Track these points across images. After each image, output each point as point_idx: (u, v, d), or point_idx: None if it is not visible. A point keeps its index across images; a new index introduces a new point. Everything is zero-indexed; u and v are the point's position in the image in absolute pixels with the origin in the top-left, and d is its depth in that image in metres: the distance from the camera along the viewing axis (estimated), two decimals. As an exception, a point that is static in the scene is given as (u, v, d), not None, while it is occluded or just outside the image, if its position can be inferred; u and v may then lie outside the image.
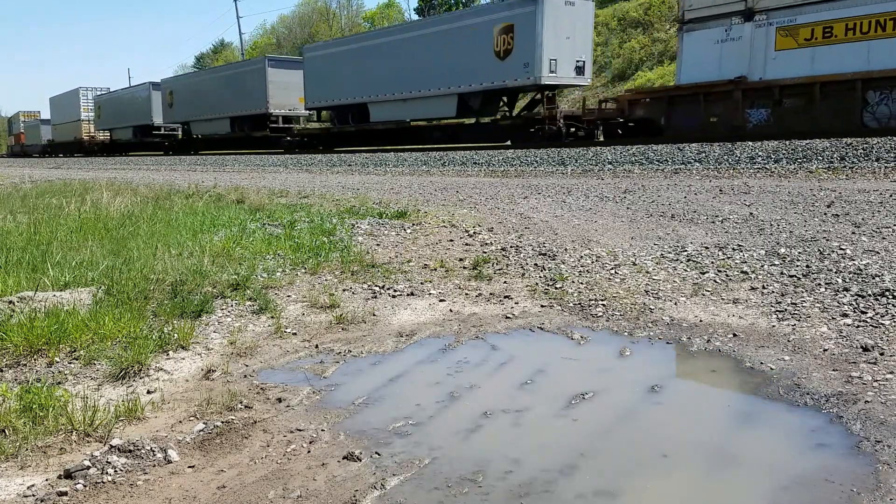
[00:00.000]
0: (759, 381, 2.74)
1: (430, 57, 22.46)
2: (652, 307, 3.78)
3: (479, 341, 3.41)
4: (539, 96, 20.88)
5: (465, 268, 4.92)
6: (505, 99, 22.40)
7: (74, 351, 3.20)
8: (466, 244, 5.77)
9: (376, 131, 25.84)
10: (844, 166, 9.61)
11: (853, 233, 5.15)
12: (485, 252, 5.38)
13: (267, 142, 31.77)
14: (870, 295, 3.62)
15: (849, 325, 3.27)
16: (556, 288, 4.26)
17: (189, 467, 2.19)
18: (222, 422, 2.49)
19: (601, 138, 18.67)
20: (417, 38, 23.32)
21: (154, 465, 2.18)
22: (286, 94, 31.36)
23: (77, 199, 9.14)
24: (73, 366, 3.08)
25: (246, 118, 33.30)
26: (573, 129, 19.12)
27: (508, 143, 20.81)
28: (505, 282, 4.51)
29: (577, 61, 19.70)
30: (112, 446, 2.25)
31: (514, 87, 20.74)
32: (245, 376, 3.01)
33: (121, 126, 45.00)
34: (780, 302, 3.69)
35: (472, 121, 23.02)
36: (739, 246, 4.96)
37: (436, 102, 22.78)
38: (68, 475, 2.09)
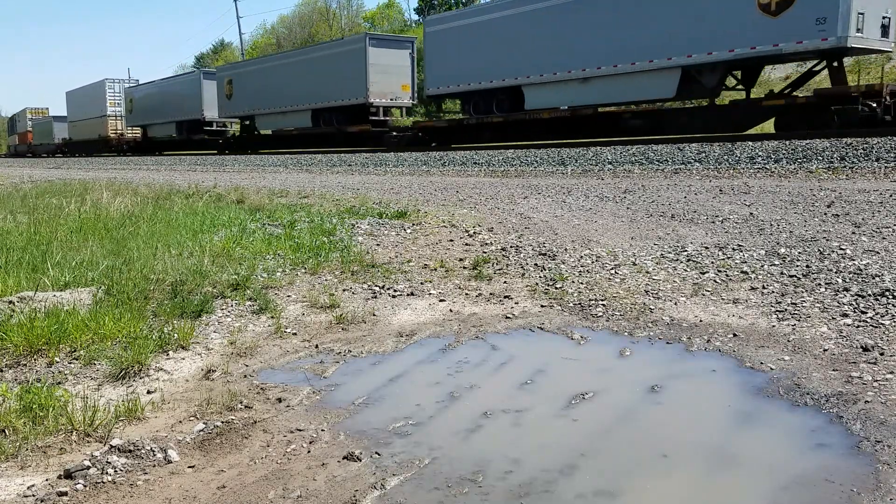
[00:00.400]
0: (759, 381, 2.74)
1: (634, 18, 16.34)
2: (652, 307, 3.78)
3: (479, 341, 3.41)
4: (821, 66, 15.14)
5: (465, 268, 4.92)
6: (739, 73, 16.48)
7: (74, 351, 3.20)
8: (466, 244, 5.77)
9: (537, 121, 19.47)
10: (844, 166, 9.61)
11: (853, 233, 5.15)
12: (485, 252, 5.38)
13: (365, 138, 25.63)
14: (870, 295, 3.62)
15: (849, 325, 3.27)
16: (556, 288, 4.26)
17: (189, 467, 2.19)
18: (222, 422, 2.49)
19: None
20: None
21: (154, 465, 2.18)
22: (387, 79, 25.24)
23: (77, 199, 9.15)
24: (73, 366, 3.08)
25: (335, 110, 26.96)
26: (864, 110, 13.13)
27: (772, 128, 15.48)
28: (505, 282, 4.51)
29: (883, 17, 14.09)
30: (112, 446, 2.25)
31: (793, 54, 14.49)
32: (245, 376, 3.01)
33: (160, 122, 38.97)
34: (780, 302, 3.69)
35: (698, 103, 17.05)
36: (739, 246, 4.96)
37: (641, 80, 16.62)
38: (68, 475, 2.09)
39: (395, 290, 4.36)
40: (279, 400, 2.73)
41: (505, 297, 4.16)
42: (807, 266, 4.28)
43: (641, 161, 12.50)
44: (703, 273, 4.34)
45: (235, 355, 3.28)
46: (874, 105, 13.29)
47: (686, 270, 4.45)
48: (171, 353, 3.26)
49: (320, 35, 56.91)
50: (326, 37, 51.66)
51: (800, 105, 14.69)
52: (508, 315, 3.80)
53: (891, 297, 3.56)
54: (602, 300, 3.95)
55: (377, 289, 4.41)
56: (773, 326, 3.36)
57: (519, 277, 4.60)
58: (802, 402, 2.54)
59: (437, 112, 26.93)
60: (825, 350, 3.00)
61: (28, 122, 59.75)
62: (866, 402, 2.48)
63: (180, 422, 2.53)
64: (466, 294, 4.27)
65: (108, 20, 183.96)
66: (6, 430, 2.38)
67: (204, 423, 2.49)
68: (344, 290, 4.41)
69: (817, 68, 15.50)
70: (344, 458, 2.21)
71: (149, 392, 2.82)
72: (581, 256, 5.01)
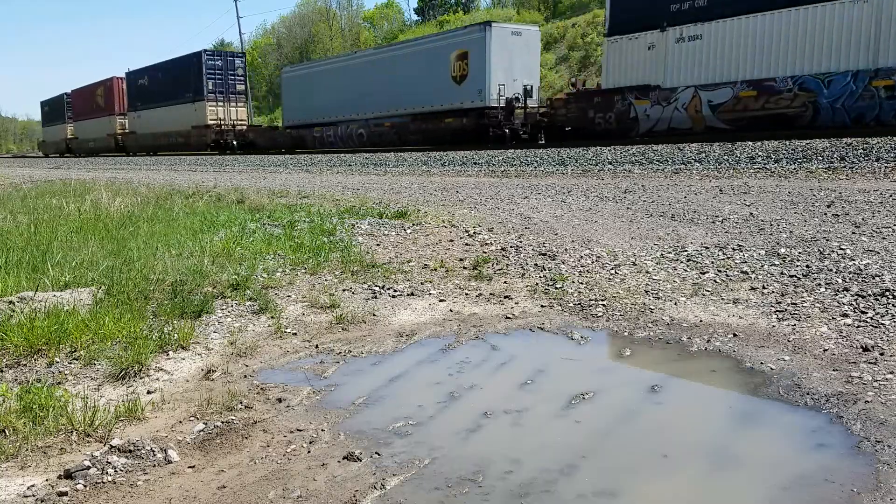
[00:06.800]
0: (759, 382, 2.74)
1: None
2: (652, 307, 3.77)
3: (479, 341, 3.41)
4: None
5: (465, 268, 4.92)
6: None
7: (74, 351, 3.19)
8: (466, 244, 5.77)
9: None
10: (844, 166, 9.61)
11: (853, 233, 5.14)
12: (485, 252, 5.38)
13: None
14: (870, 295, 3.62)
15: (849, 325, 3.27)
16: (556, 288, 4.26)
17: (189, 467, 2.19)
18: (222, 422, 2.49)
19: None
20: None
21: (154, 466, 2.18)
22: None
23: (77, 200, 9.14)
24: (73, 366, 3.07)
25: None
26: None
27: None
28: (505, 282, 4.51)
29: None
30: (112, 446, 2.25)
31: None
32: (245, 376, 3.01)
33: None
34: (780, 302, 3.69)
35: None
36: (739, 246, 4.96)
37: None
38: (68, 475, 2.09)
39: (395, 291, 4.36)
40: (279, 400, 2.73)
41: (505, 297, 4.16)
42: (807, 266, 4.28)
43: (641, 161, 12.50)
44: (703, 273, 4.34)
45: (235, 355, 3.27)
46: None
47: (686, 270, 4.45)
48: (171, 353, 3.25)
49: (320, 35, 56.88)
50: (326, 37, 51.62)
51: None
52: (508, 315, 3.80)
53: (891, 297, 3.56)
54: (602, 300, 3.95)
55: (377, 289, 4.40)
56: (773, 326, 3.36)
57: (519, 277, 4.60)
58: (802, 402, 2.54)
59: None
60: (825, 350, 3.00)
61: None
62: (866, 402, 2.47)
63: (180, 422, 2.53)
64: (466, 294, 4.27)
65: (108, 20, 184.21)
66: (6, 430, 2.38)
67: (204, 423, 2.49)
68: (344, 291, 4.41)
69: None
70: (344, 458, 2.21)
71: (149, 392, 2.82)
72: (581, 256, 5.01)
